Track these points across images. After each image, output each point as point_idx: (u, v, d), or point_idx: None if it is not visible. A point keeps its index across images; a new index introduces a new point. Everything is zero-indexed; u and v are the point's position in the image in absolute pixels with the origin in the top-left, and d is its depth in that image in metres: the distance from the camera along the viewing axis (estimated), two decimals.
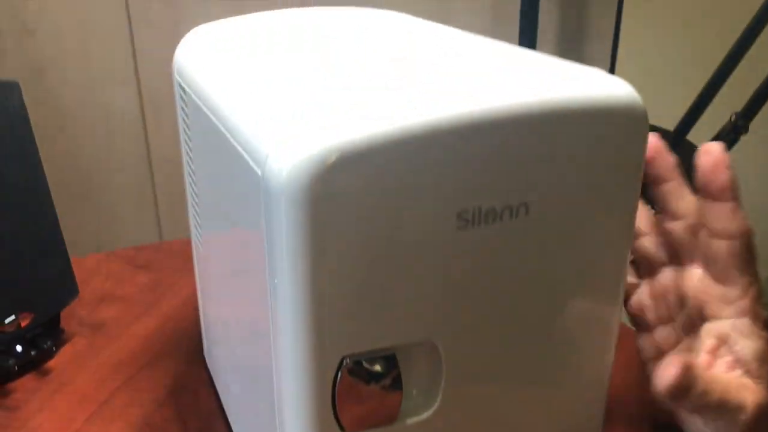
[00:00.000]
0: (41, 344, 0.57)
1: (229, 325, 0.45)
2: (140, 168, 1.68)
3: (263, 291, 0.32)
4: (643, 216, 0.44)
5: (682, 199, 0.41)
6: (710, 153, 0.38)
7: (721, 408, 0.37)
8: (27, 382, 0.56)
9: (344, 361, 0.31)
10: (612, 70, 1.30)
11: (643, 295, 0.44)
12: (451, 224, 0.31)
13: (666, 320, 0.44)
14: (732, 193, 0.38)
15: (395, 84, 0.34)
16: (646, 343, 0.45)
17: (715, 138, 0.72)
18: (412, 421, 0.34)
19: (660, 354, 0.44)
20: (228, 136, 0.35)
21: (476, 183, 0.30)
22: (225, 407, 0.51)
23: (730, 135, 0.67)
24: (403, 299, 0.31)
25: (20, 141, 0.54)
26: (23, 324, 0.55)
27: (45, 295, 0.57)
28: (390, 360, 0.33)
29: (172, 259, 0.76)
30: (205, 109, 0.40)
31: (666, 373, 0.35)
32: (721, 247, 0.39)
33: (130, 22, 1.58)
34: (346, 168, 0.28)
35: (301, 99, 0.33)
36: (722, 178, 0.38)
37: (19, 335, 0.55)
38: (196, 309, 0.64)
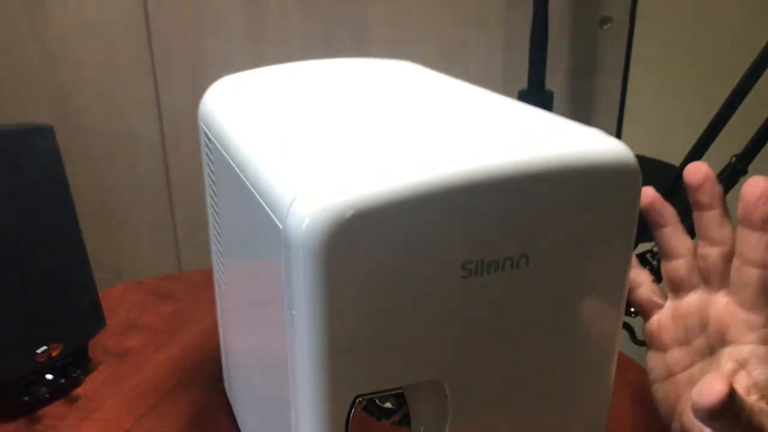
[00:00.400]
0: (70, 373, 0.60)
1: (248, 359, 0.47)
2: (160, 195, 1.72)
3: (282, 333, 0.35)
4: (681, 241, 0.46)
5: (722, 228, 0.43)
6: (756, 185, 0.40)
7: (746, 429, 0.39)
8: (56, 408, 0.59)
9: (357, 399, 0.34)
10: (623, 103, 1.32)
11: (664, 315, 0.47)
12: (455, 274, 0.33)
13: (682, 342, 0.46)
14: None
15: (407, 139, 0.37)
16: (657, 363, 0.47)
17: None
18: None
19: (669, 375, 0.46)
20: (251, 188, 0.37)
21: (479, 236, 0.33)
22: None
23: (729, 177, 0.69)
24: (412, 343, 0.34)
25: (54, 182, 0.57)
26: (54, 354, 0.58)
27: (74, 327, 0.60)
28: (400, 398, 0.35)
29: (193, 289, 0.79)
30: (229, 160, 0.43)
31: (712, 390, 0.36)
32: (752, 275, 0.41)
33: (152, 53, 1.63)
34: (360, 225, 0.31)
35: (318, 154, 0.36)
36: (765, 209, 0.40)
37: (49, 364, 0.58)
38: (216, 338, 0.67)
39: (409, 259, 0.32)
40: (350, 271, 0.31)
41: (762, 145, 0.65)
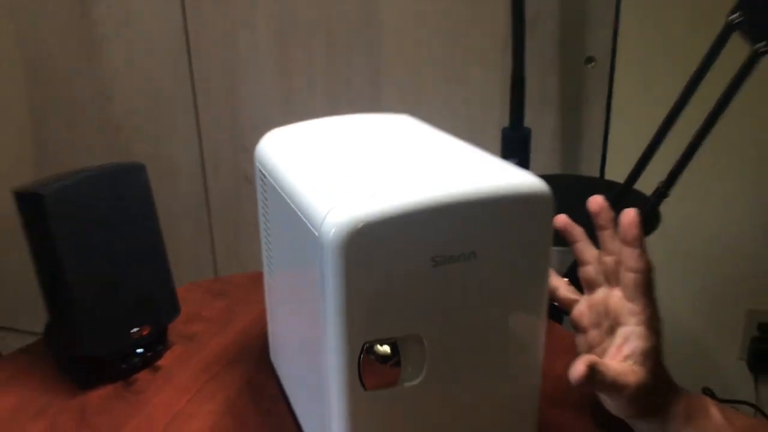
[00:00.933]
0: (155, 348, 0.79)
1: (290, 331, 0.67)
2: (199, 213, 1.93)
3: (316, 307, 0.54)
4: (589, 252, 0.65)
5: (614, 242, 0.62)
6: (628, 215, 0.60)
7: (613, 386, 0.58)
8: (144, 375, 0.79)
9: (365, 345, 0.53)
10: (606, 133, 1.51)
11: (582, 306, 0.66)
12: (428, 264, 0.53)
13: (596, 325, 0.64)
14: (639, 242, 0.59)
15: (397, 175, 0.56)
16: (581, 341, 0.66)
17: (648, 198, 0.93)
18: (407, 385, 0.55)
19: (590, 349, 0.65)
20: (296, 210, 0.57)
21: (442, 239, 0.52)
22: (286, 391, 0.73)
23: (655, 199, 0.87)
24: (401, 308, 0.53)
25: (145, 206, 0.77)
26: (144, 333, 0.78)
27: (158, 314, 0.80)
28: (393, 346, 0.54)
29: (239, 288, 0.99)
30: (279, 190, 0.62)
31: (576, 370, 0.55)
32: (630, 277, 0.60)
33: (193, 89, 1.84)
34: (366, 232, 0.50)
35: (340, 185, 0.55)
36: (634, 232, 0.59)
37: (140, 341, 0.78)
38: (260, 326, 0.86)
39: (398, 253, 0.51)
40: (361, 261, 0.51)
41: (680, 173, 0.83)
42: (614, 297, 0.62)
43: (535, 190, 0.55)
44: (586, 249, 0.65)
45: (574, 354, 0.61)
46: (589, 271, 0.65)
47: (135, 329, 0.77)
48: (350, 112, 1.17)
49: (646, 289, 0.60)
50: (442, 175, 0.57)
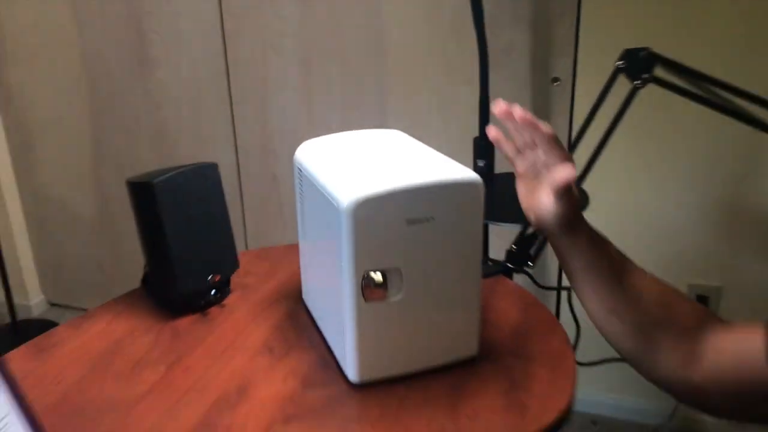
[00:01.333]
0: (222, 291, 1.15)
1: (318, 275, 1.02)
2: (234, 204, 2.29)
3: (335, 253, 0.89)
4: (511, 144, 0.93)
5: (523, 131, 0.90)
6: (516, 111, 0.86)
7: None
8: (215, 309, 1.14)
9: (365, 273, 0.88)
10: (569, 140, 1.85)
11: (518, 159, 0.91)
12: (403, 223, 0.87)
13: (529, 170, 0.92)
14: (534, 120, 0.84)
15: (388, 170, 0.91)
16: (520, 185, 0.90)
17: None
18: (391, 300, 0.90)
19: (524, 182, 0.91)
20: (324, 193, 0.92)
21: (412, 208, 0.87)
22: (313, 317, 1.08)
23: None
24: (388, 251, 0.88)
25: (218, 195, 1.12)
26: (216, 279, 1.13)
27: (225, 268, 1.15)
28: (383, 274, 0.89)
29: (277, 255, 1.34)
30: (312, 181, 0.97)
31: (561, 173, 0.83)
32: (542, 137, 0.85)
33: (231, 101, 2.20)
34: (365, 204, 0.85)
35: (351, 178, 0.90)
36: (527, 117, 0.86)
37: (214, 285, 1.13)
38: (294, 278, 1.21)
39: (385, 216, 0.86)
40: (362, 221, 0.85)
41: (590, 169, 1.16)
42: (538, 153, 0.88)
43: (471, 179, 0.90)
44: (509, 145, 0.91)
45: (514, 295, 0.96)
46: (514, 148, 0.92)
47: (210, 277, 1.12)
48: (360, 123, 1.55)
49: (555, 140, 0.86)
50: (413, 170, 0.92)
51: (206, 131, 2.26)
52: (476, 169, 1.46)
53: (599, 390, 2.10)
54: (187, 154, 2.29)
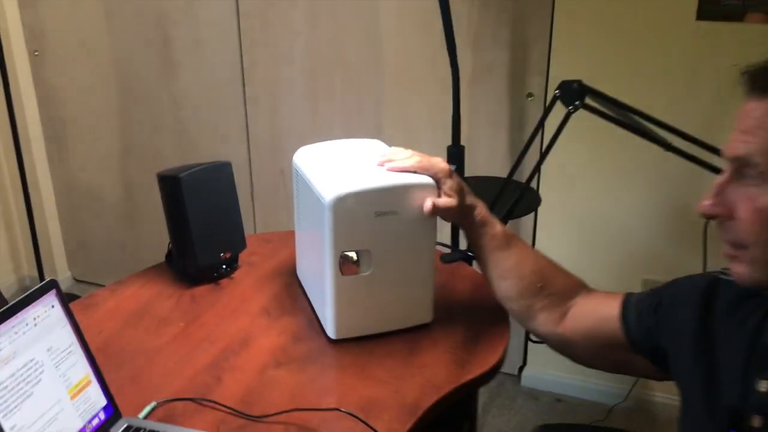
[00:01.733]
0: (232, 266, 1.41)
1: (308, 255, 1.27)
2: (245, 194, 2.55)
3: (320, 238, 1.14)
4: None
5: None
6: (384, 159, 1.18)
7: (446, 210, 1.14)
8: (225, 281, 1.41)
9: (342, 253, 1.14)
10: (541, 149, 2.10)
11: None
12: (372, 216, 1.13)
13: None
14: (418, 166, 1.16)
15: (363, 173, 1.16)
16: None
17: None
18: (362, 274, 1.16)
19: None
20: (313, 190, 1.18)
21: (379, 203, 1.13)
22: (304, 288, 1.34)
23: (505, 186, 1.44)
24: (360, 236, 1.14)
25: (230, 187, 1.38)
26: (227, 256, 1.39)
27: (235, 246, 1.41)
28: (357, 253, 1.15)
29: (279, 239, 1.60)
30: (305, 180, 1.23)
31: (426, 206, 1.13)
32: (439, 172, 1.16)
33: (245, 103, 2.46)
34: (343, 200, 1.11)
35: (336, 177, 1.15)
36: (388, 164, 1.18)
37: (224, 261, 1.39)
38: (291, 258, 1.46)
39: (358, 209, 1.12)
40: (340, 213, 1.11)
41: (516, 168, 1.41)
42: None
43: (426, 182, 1.15)
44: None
45: (471, 278, 1.21)
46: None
47: (222, 254, 1.38)
48: (358, 126, 1.81)
49: (452, 174, 1.15)
50: (383, 174, 1.17)
51: (222, 130, 2.52)
52: None
53: (564, 372, 2.36)
54: (204, 149, 2.55)
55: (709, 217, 0.83)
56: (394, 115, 2.27)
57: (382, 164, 1.16)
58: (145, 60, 2.54)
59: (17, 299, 0.89)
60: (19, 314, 0.89)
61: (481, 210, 1.18)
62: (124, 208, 2.79)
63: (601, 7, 1.94)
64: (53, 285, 0.95)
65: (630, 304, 1.05)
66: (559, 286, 1.15)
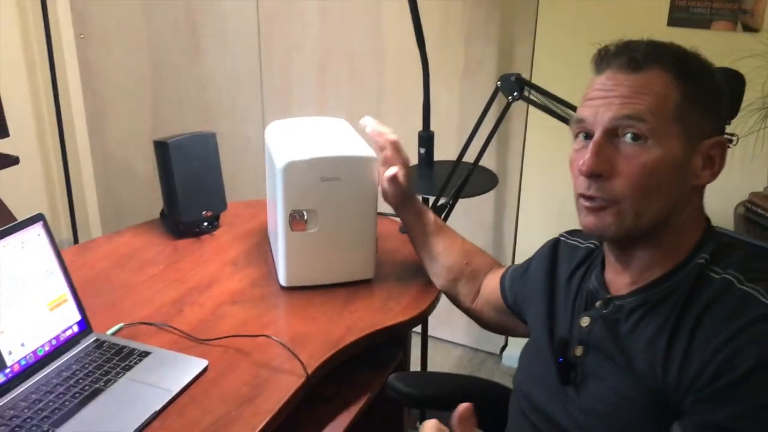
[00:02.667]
0: (212, 224, 1.62)
1: (271, 214, 1.47)
2: (260, 169, 2.76)
3: (276, 198, 1.34)
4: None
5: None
6: (365, 122, 1.37)
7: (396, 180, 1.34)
8: (206, 237, 1.61)
9: (291, 212, 1.33)
10: (524, 136, 2.25)
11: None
12: (318, 181, 1.32)
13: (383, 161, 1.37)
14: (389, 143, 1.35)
15: (316, 144, 1.35)
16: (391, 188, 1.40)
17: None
18: (310, 231, 1.35)
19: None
20: (273, 158, 1.37)
21: (325, 169, 1.32)
22: (270, 243, 1.54)
23: (469, 173, 1.61)
24: (308, 197, 1.33)
25: (214, 153, 1.59)
26: (208, 214, 1.60)
27: (216, 206, 1.62)
28: (305, 212, 1.34)
29: (261, 206, 1.80)
30: (268, 149, 1.43)
31: (388, 171, 1.32)
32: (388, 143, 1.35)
33: (261, 89, 2.68)
34: (292, 166, 1.30)
35: (290, 146, 1.35)
36: (378, 138, 1.35)
37: (206, 219, 1.60)
38: (266, 220, 1.66)
39: (305, 175, 1.31)
40: (290, 178, 1.30)
41: (465, 152, 1.57)
42: (386, 153, 1.34)
43: (369, 154, 1.34)
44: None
45: (399, 238, 1.40)
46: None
47: (204, 212, 1.59)
48: (361, 111, 2.02)
49: (397, 145, 1.33)
50: (330, 146, 1.36)
51: (241, 111, 2.75)
52: (418, 155, 1.89)
53: None
54: (225, 128, 2.78)
55: (591, 176, 0.89)
56: (391, 104, 2.46)
57: (374, 131, 1.35)
58: (175, 45, 2.79)
59: (7, 226, 1.11)
60: (9, 236, 1.11)
61: (417, 202, 1.39)
62: (154, 179, 3.04)
63: (579, 14, 2.09)
64: (40, 218, 1.17)
65: (507, 273, 1.24)
66: (479, 265, 1.34)
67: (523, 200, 2.37)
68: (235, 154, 2.75)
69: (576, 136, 0.96)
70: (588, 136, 0.92)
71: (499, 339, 2.60)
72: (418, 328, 2.12)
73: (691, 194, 0.92)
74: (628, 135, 0.88)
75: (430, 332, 2.58)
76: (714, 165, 0.92)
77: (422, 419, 2.11)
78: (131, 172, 3.11)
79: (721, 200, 1.96)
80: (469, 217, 2.46)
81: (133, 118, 3.02)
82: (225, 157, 2.88)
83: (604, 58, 0.93)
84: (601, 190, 0.90)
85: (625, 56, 0.90)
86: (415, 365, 2.38)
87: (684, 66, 0.90)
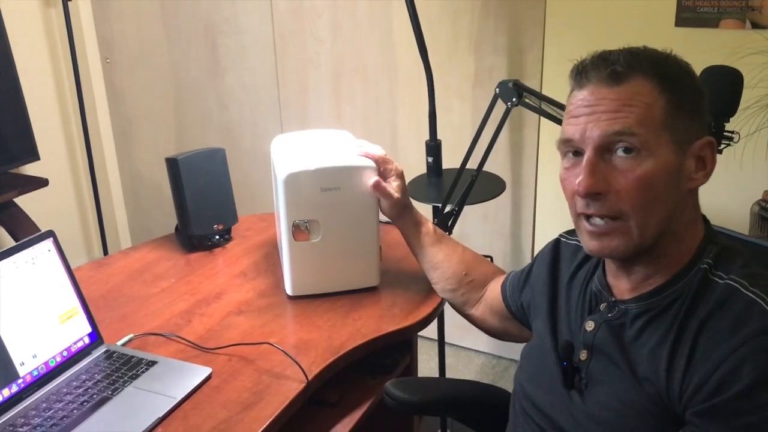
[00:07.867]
0: (224, 237, 1.66)
1: (278, 227, 1.51)
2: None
3: (279, 214, 1.37)
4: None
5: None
6: (360, 148, 1.39)
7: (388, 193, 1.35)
8: (218, 249, 1.66)
9: (294, 221, 1.36)
10: (538, 144, 2.26)
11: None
12: (318, 191, 1.35)
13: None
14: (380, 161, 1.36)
15: (317, 156, 1.39)
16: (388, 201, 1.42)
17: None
18: (312, 241, 1.38)
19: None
20: (276, 169, 1.41)
21: (325, 180, 1.35)
22: (280, 254, 1.57)
23: (471, 181, 1.62)
24: (309, 208, 1.36)
25: (223, 169, 1.63)
26: (220, 227, 1.64)
27: (227, 219, 1.66)
28: (308, 222, 1.37)
29: (273, 219, 1.84)
30: (272, 162, 1.46)
31: (372, 180, 1.34)
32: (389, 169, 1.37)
33: (279, 105, 2.73)
34: (293, 177, 1.33)
35: (289, 160, 1.38)
36: (374, 156, 1.37)
37: (218, 232, 1.65)
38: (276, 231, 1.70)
39: (306, 185, 1.34)
40: (291, 188, 1.34)
41: (485, 160, 1.58)
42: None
43: (368, 164, 1.36)
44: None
45: (400, 245, 1.42)
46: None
47: (216, 225, 1.64)
48: (376, 125, 2.05)
49: (401, 176, 1.37)
50: (330, 157, 1.39)
51: (261, 128, 2.80)
52: (427, 164, 1.91)
53: None
54: (246, 144, 2.84)
55: (588, 196, 0.88)
56: (405, 115, 2.48)
57: (361, 153, 1.38)
58: (196, 65, 2.86)
59: (17, 243, 1.17)
60: (19, 252, 1.16)
61: (415, 213, 1.40)
62: None
63: (586, 19, 2.09)
64: (50, 235, 1.22)
65: (508, 279, 1.25)
66: (480, 274, 1.35)
67: (539, 208, 2.37)
68: (257, 169, 2.80)
69: (564, 155, 0.95)
70: (577, 152, 0.91)
71: (521, 346, 2.59)
72: (435, 335, 2.13)
73: (687, 198, 0.92)
74: (620, 149, 0.87)
75: (451, 341, 2.59)
76: (706, 165, 0.92)
77: (443, 428, 2.11)
78: (158, 190, 3.19)
79: (740, 200, 1.94)
80: (488, 225, 2.47)
81: (159, 139, 3.09)
82: (247, 172, 2.96)
83: (583, 73, 0.92)
84: (602, 207, 0.89)
85: (606, 69, 0.89)
86: (433, 373, 2.39)
87: (664, 70, 0.90)
